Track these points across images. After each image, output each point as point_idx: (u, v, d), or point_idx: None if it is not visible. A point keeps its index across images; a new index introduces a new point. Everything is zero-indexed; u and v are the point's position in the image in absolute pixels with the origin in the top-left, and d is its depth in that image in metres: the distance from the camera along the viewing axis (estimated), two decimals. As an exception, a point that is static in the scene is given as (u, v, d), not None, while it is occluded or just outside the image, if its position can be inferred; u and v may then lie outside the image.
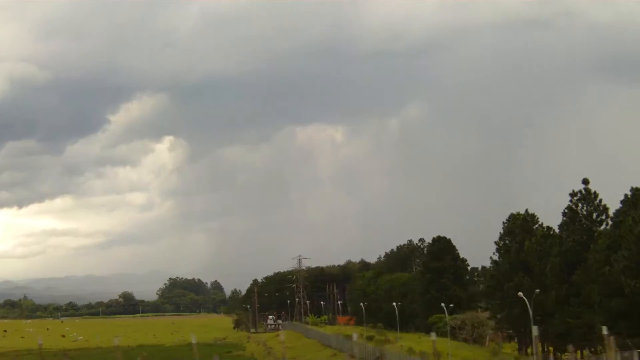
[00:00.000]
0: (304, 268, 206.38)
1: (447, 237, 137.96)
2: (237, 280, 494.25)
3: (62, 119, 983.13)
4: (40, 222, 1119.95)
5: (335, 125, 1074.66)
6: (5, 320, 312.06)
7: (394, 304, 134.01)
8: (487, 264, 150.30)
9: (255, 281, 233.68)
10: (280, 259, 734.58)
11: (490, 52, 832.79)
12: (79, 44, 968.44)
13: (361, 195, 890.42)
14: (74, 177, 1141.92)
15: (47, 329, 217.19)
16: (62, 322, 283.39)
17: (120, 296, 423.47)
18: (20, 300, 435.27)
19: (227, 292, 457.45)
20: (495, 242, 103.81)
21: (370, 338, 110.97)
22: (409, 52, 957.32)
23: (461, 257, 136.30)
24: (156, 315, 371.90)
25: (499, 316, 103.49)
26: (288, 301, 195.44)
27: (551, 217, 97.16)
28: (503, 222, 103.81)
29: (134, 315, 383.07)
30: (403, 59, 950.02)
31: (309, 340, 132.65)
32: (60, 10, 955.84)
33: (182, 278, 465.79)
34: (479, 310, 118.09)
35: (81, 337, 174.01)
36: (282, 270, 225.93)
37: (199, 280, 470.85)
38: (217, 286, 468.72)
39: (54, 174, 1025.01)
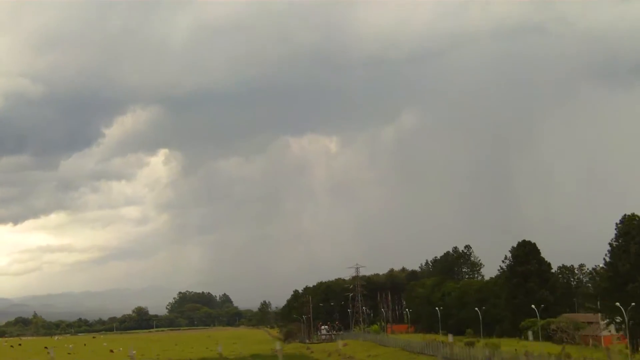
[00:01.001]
0: (348, 277, 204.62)
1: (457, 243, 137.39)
2: (245, 292, 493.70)
3: (56, 133, 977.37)
4: (35, 238, 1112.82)
5: (330, 135, 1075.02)
6: (27, 338, 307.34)
7: (477, 309, 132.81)
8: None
9: (296, 292, 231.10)
10: (283, 270, 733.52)
11: (485, 59, 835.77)
12: (72, 57, 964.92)
13: (357, 205, 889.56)
14: (69, 192, 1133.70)
15: (84, 345, 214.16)
16: (94, 337, 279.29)
17: (133, 311, 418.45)
18: (33, 317, 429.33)
19: (238, 305, 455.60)
20: (609, 244, 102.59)
21: (470, 344, 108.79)
22: (403, 59, 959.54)
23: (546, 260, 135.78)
24: (172, 330, 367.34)
25: (617, 319, 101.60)
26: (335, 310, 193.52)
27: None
28: (616, 224, 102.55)
29: (150, 330, 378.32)
30: (397, 66, 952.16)
31: (387, 348, 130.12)
32: (54, 24, 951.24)
33: (192, 292, 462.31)
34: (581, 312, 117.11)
35: (134, 352, 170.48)
36: (324, 280, 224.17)
37: (208, 293, 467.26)
38: (226, 299, 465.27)
39: (48, 189, 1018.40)
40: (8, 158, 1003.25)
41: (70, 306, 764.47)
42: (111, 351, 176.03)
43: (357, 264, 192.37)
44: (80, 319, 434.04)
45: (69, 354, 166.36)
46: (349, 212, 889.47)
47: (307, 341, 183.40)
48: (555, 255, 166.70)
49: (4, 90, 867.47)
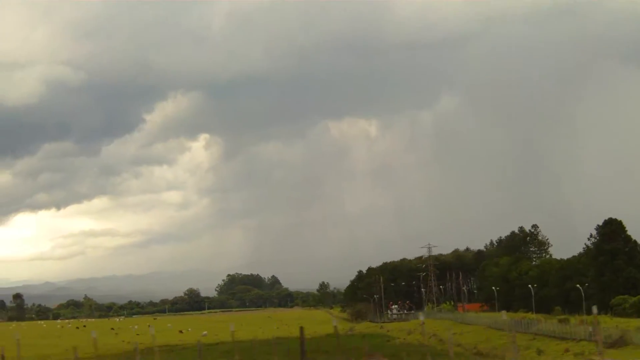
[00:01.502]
0: (412, 258, 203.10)
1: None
2: (289, 275, 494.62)
3: (98, 120, 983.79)
4: (78, 223, 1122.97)
5: (369, 118, 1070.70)
6: (84, 320, 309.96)
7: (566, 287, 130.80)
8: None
9: (360, 272, 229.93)
10: (325, 253, 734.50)
11: (521, 41, 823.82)
12: (112, 44, 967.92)
13: (397, 188, 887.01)
14: (111, 177, 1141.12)
15: (149, 326, 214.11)
16: (155, 319, 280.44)
17: (185, 293, 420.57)
18: (84, 299, 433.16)
19: (287, 286, 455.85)
20: None
21: (563, 321, 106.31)
22: (441, 43, 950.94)
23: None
24: (224, 311, 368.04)
25: None
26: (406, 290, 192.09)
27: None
28: None
29: (202, 311, 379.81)
30: (435, 50, 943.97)
31: (471, 326, 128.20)
32: (94, 12, 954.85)
33: (241, 274, 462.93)
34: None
35: (205, 332, 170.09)
36: (388, 261, 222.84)
37: (257, 275, 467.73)
38: (275, 281, 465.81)
39: (91, 175, 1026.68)
40: (51, 144, 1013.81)
41: (113, 289, 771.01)
42: (180, 332, 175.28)
43: (429, 244, 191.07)
44: (130, 301, 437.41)
45: (138, 334, 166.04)
46: (390, 195, 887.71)
47: (378, 321, 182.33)
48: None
49: (46, 78, 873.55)
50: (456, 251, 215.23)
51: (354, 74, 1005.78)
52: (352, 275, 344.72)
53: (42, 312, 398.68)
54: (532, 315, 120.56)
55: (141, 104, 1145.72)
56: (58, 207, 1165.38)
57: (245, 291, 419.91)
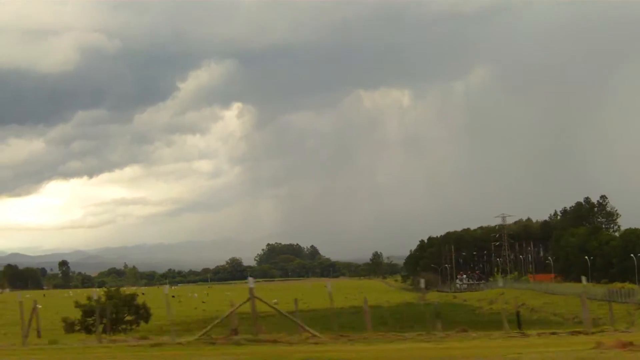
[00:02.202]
0: (474, 228, 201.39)
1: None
2: (322, 245, 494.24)
3: (131, 88, 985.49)
4: (109, 191, 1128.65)
5: (402, 89, 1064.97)
6: (136, 288, 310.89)
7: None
8: None
9: (422, 242, 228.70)
10: (356, 223, 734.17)
11: (555, 16, 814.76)
12: (147, 13, 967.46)
13: (428, 159, 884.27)
14: (143, 145, 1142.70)
15: (207, 294, 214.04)
16: (209, 287, 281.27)
17: (227, 262, 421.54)
18: (125, 267, 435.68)
19: (327, 256, 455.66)
20: None
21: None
22: (476, 14, 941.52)
23: None
24: (268, 281, 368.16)
25: None
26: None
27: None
28: None
29: (244, 280, 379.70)
30: (469, 21, 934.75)
31: (559, 296, 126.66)
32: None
33: (280, 243, 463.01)
34: None
35: (276, 300, 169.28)
36: (452, 230, 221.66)
37: (297, 245, 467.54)
38: (314, 251, 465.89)
39: (123, 143, 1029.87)
40: (84, 112, 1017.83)
41: (144, 258, 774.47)
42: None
43: (503, 214, 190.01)
44: (170, 270, 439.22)
45: (203, 302, 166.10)
46: (422, 166, 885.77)
47: (448, 291, 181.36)
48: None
49: (80, 45, 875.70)
50: (520, 221, 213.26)
51: (388, 44, 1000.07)
52: (387, 245, 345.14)
53: (87, 280, 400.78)
54: (633, 285, 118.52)
55: (175, 72, 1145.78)
56: (90, 175, 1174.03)
57: (287, 261, 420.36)
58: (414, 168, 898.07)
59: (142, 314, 61.76)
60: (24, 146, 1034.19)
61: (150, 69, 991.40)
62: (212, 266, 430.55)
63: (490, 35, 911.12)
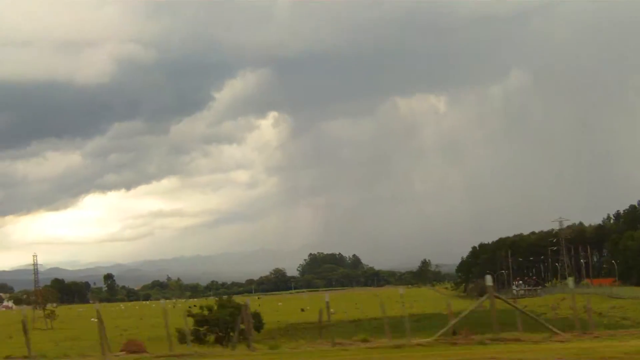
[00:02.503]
0: (526, 233, 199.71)
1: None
2: (366, 253, 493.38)
3: (167, 98, 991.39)
4: (147, 204, 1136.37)
5: (438, 95, 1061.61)
6: (185, 300, 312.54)
7: None
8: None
9: (474, 248, 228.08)
10: (395, 231, 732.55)
11: (592, 16, 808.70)
12: (182, 23, 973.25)
13: (467, 165, 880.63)
14: (180, 156, 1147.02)
15: (280, 304, 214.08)
16: (259, 298, 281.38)
17: (271, 273, 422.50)
18: (169, 280, 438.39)
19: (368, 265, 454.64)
20: None
21: None
22: (511, 16, 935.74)
23: None
24: (312, 291, 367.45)
25: None
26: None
27: None
28: None
29: (290, 291, 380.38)
30: (505, 24, 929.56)
31: (625, 300, 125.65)
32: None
33: (323, 253, 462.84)
34: None
35: (332, 310, 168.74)
36: (504, 236, 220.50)
37: (339, 254, 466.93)
38: (356, 260, 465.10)
39: (160, 154, 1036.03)
40: (121, 124, 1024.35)
41: (182, 270, 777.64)
42: (302, 310, 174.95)
43: (560, 217, 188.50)
44: (212, 281, 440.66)
45: (302, 310, 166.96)
46: (460, 172, 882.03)
47: (505, 297, 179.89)
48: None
49: (116, 56, 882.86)
50: (573, 226, 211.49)
51: (424, 49, 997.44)
52: (426, 253, 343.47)
53: (132, 294, 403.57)
54: None
55: (211, 81, 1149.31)
56: (128, 188, 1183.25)
57: (331, 270, 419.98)
58: (452, 174, 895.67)
59: (255, 322, 62.04)
60: (62, 159, 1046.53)
61: (186, 79, 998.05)
62: (250, 277, 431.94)
63: (526, 38, 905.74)
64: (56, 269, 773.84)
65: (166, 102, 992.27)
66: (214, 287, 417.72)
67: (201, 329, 63.13)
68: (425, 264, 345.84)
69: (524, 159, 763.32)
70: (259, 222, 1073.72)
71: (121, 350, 34.12)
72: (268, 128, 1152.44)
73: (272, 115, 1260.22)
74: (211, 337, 62.91)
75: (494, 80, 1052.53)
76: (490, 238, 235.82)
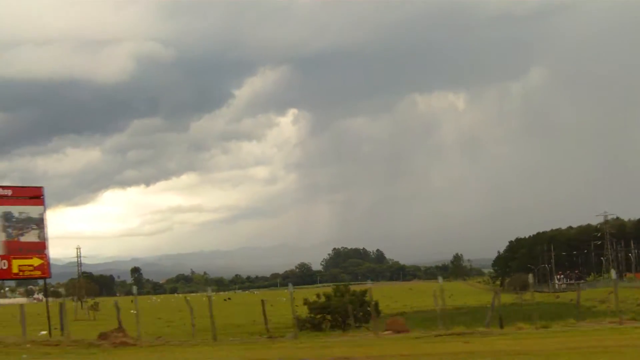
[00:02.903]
0: (564, 227, 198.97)
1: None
2: (389, 249, 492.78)
3: (187, 96, 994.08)
4: (166, 199, 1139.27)
5: (457, 92, 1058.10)
6: (216, 293, 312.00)
7: None
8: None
9: (511, 242, 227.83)
10: (414, 228, 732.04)
11: (617, 12, 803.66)
12: (202, 20, 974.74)
13: (485, 163, 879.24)
14: (199, 153, 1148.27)
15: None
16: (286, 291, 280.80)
17: (296, 267, 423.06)
18: (192, 274, 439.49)
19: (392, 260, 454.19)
20: None
21: None
22: (532, 15, 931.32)
23: None
24: (338, 285, 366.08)
25: None
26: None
27: None
28: None
29: (315, 285, 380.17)
30: (526, 22, 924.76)
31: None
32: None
33: (346, 248, 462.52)
34: None
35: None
36: (541, 231, 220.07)
37: (363, 249, 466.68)
38: (380, 254, 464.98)
39: (180, 151, 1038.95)
40: (141, 121, 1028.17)
41: (201, 265, 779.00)
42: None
43: (605, 212, 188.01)
44: (237, 275, 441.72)
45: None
46: (479, 169, 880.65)
47: (546, 291, 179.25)
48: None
49: (136, 54, 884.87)
50: (612, 220, 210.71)
51: (444, 46, 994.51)
52: (450, 249, 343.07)
53: (158, 287, 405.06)
54: None
55: (230, 79, 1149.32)
56: (147, 184, 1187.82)
57: (357, 264, 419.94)
58: (473, 171, 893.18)
59: (369, 310, 62.07)
60: (81, 156, 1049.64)
61: (206, 77, 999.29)
62: (270, 272, 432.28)
63: (547, 35, 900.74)
64: (75, 263, 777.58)
65: (186, 99, 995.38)
66: (239, 281, 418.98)
67: (317, 316, 64.09)
68: (457, 258, 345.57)
69: (549, 156, 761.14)
70: (278, 218, 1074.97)
71: (386, 330, 34.84)
72: (287, 125, 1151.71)
73: (292, 112, 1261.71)
74: (327, 324, 63.39)
75: (515, 78, 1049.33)
76: (513, 235, 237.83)
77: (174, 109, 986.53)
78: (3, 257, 40.33)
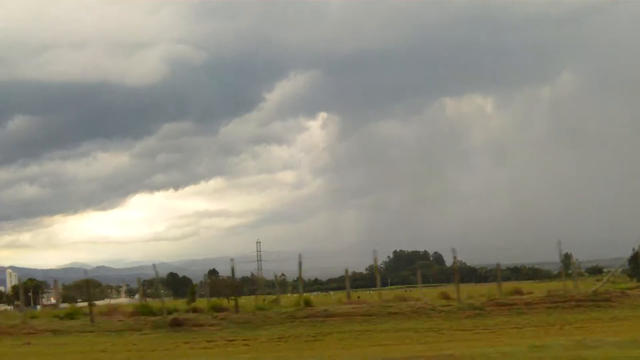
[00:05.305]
0: None
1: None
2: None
3: (218, 99, 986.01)
4: (193, 204, 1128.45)
5: (486, 96, 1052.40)
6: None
7: None
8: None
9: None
10: (444, 232, 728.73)
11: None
12: (233, 24, 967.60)
13: (514, 168, 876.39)
14: (228, 157, 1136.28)
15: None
16: (405, 291, 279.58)
17: (366, 269, 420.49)
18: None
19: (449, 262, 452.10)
20: None
21: None
22: (566, 17, 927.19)
23: None
24: (410, 287, 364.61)
25: None
26: None
27: None
28: None
29: (385, 287, 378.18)
30: (559, 24, 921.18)
31: None
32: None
33: (406, 251, 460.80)
34: None
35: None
36: None
37: (424, 251, 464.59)
38: (438, 256, 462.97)
39: (208, 155, 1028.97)
40: (170, 124, 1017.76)
41: (228, 269, 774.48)
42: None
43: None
44: (295, 279, 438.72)
45: None
46: (505, 173, 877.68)
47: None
48: None
49: (167, 57, 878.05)
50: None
51: (473, 49, 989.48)
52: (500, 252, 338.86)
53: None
54: None
55: (261, 82, 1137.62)
56: (176, 188, 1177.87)
57: (427, 266, 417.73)
58: (500, 176, 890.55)
59: None
60: (110, 160, 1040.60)
61: (236, 80, 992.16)
62: (295, 276, 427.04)
63: (581, 38, 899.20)
64: (102, 267, 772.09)
65: (216, 103, 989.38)
66: (309, 283, 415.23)
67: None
68: (567, 257, 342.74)
69: (572, 163, 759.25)
70: (305, 222, 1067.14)
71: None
72: (316, 129, 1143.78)
73: (322, 116, 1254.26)
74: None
75: (546, 81, 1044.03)
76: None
77: (204, 113, 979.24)
78: None
